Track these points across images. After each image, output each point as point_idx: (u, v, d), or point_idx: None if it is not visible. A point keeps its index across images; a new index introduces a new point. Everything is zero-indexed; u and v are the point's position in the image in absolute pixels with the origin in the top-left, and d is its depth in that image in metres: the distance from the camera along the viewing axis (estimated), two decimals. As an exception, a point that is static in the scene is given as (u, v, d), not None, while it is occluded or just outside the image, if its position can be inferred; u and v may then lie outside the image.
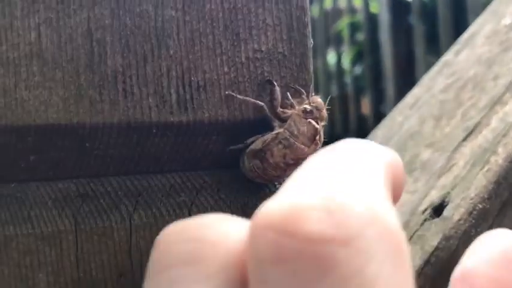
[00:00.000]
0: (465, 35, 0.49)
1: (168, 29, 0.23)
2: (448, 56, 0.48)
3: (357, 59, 2.45)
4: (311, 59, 0.26)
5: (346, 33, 2.45)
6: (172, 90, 0.24)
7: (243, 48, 0.25)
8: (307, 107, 0.24)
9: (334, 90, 2.51)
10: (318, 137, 0.24)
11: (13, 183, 0.23)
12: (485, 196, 0.30)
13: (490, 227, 0.30)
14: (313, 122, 0.24)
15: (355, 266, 0.12)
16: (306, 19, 0.26)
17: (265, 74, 0.25)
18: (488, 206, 0.30)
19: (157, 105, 0.23)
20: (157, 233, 0.23)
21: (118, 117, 0.23)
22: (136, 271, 0.23)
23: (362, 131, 2.22)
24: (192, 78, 0.24)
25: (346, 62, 2.50)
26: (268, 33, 0.25)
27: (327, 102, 0.25)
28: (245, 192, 0.26)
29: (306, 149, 0.24)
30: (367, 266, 0.12)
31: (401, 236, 0.14)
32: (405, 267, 0.13)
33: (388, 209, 0.14)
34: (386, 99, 2.21)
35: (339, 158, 0.16)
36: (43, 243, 0.22)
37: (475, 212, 0.30)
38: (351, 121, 2.40)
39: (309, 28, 0.26)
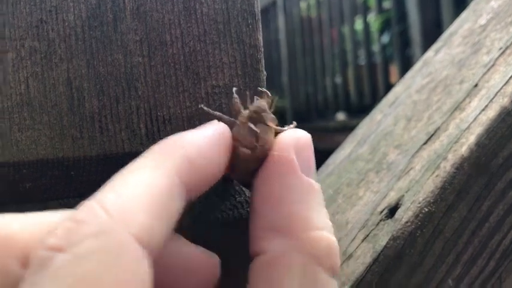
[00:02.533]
0: (446, 33, 0.52)
1: (136, 73, 0.28)
2: (428, 54, 0.51)
3: (384, 27, 2.44)
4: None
5: (373, 2, 2.44)
6: (141, 125, 0.28)
7: (202, 85, 0.29)
8: (248, 112, 0.26)
9: (362, 59, 2.51)
10: (258, 140, 0.25)
11: (13, 205, 0.28)
12: (431, 200, 0.33)
13: (436, 228, 0.33)
14: (252, 126, 0.25)
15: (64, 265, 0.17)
16: (258, 55, 0.30)
17: (223, 106, 0.29)
18: (433, 209, 0.33)
19: (129, 138, 0.28)
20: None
21: (96, 151, 0.27)
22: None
23: (390, 100, 2.22)
24: (159, 114, 0.28)
25: (373, 31, 2.49)
26: (225, 71, 0.29)
27: (275, 100, 0.27)
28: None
29: (246, 151, 0.25)
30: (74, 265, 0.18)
31: (123, 243, 0.19)
32: (120, 264, 0.18)
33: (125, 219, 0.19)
34: (414, 67, 2.20)
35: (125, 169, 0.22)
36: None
37: (421, 215, 0.33)
38: (380, 90, 2.40)
39: (262, 62, 0.30)
